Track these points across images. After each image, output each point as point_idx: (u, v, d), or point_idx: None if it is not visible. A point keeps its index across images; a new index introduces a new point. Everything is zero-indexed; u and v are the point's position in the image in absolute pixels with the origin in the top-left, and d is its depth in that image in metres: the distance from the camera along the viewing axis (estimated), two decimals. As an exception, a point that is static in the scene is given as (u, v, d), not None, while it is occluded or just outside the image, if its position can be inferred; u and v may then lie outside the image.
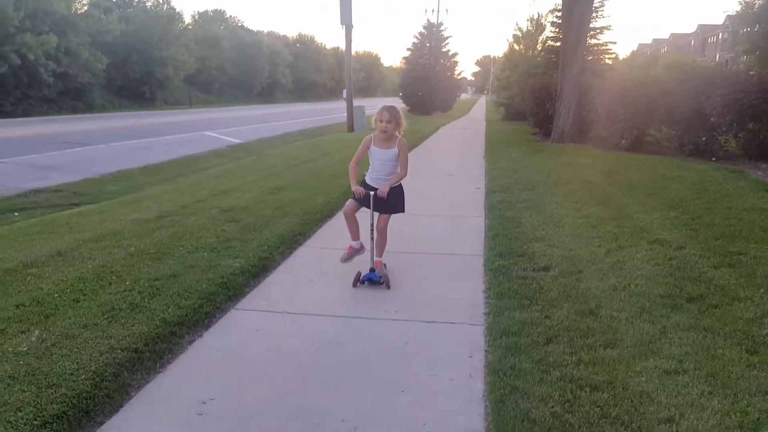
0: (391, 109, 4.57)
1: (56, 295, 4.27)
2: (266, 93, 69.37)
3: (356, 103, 24.23)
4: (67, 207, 8.72)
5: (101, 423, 2.85)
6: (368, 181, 4.75)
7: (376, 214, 4.78)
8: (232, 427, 2.80)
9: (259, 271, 5.06)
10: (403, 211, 4.90)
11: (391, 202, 4.69)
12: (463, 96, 71.02)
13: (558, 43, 23.11)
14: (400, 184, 4.76)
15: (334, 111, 39.30)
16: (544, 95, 18.57)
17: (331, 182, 9.59)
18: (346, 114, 23.93)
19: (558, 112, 16.60)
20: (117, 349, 3.44)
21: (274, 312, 4.25)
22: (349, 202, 4.78)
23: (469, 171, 11.53)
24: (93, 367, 3.21)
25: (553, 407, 2.89)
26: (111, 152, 15.58)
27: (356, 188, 4.61)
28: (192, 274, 4.77)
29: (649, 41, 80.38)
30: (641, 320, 3.94)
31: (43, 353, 3.36)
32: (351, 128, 23.06)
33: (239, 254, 5.37)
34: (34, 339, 3.52)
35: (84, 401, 2.91)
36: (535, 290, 4.51)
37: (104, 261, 5.09)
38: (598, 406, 2.91)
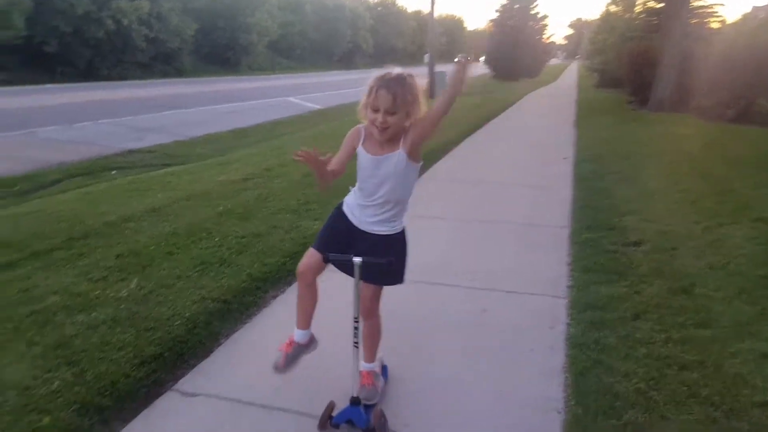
0: (395, 84, 2.28)
1: (152, 247, 4.52)
2: (347, 58, 69.47)
3: (438, 68, 23.85)
4: (159, 167, 9.16)
5: (193, 366, 3.00)
6: (352, 216, 2.53)
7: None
8: (308, 376, 2.86)
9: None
10: (401, 281, 2.64)
11: (385, 264, 2.41)
12: (553, 61, 68.24)
13: (660, 4, 21.59)
14: (403, 235, 2.59)
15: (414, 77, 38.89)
16: (642, 61, 17.48)
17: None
18: (426, 80, 23.61)
19: (657, 79, 15.67)
20: (208, 300, 3.62)
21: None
22: (310, 252, 2.55)
23: (557, 140, 11.14)
24: (187, 314, 3.41)
25: (637, 383, 2.81)
26: (200, 116, 16.17)
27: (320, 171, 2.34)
28: (275, 234, 4.91)
29: (765, 2, 73.90)
30: (739, 301, 3.72)
31: (141, 300, 3.58)
32: (431, 94, 22.78)
33: (318, 217, 5.47)
34: (132, 286, 3.75)
35: (178, 344, 3.10)
36: (624, 265, 4.33)
37: (195, 218, 5.32)
38: (687, 386, 2.79)
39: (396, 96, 2.24)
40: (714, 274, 4.14)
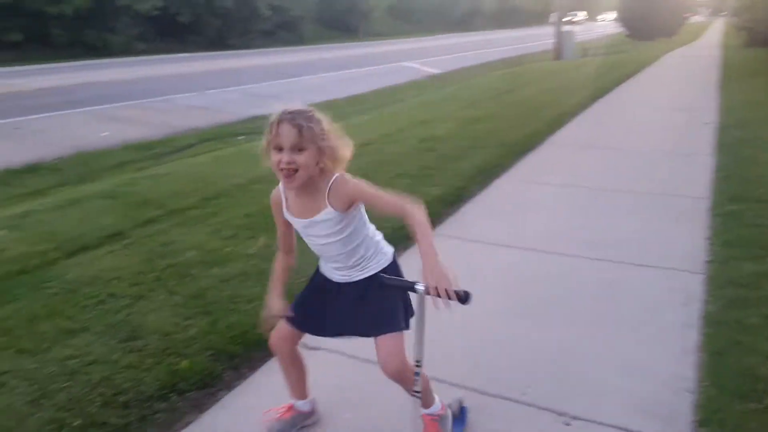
0: (298, 116, 1.82)
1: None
2: (466, 20, 67.83)
3: (566, 28, 22.66)
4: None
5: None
6: (328, 273, 2.11)
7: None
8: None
9: (455, 200, 5.08)
10: (407, 326, 2.01)
11: (377, 305, 2.00)
12: (694, 19, 62.56)
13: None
14: (395, 263, 2.12)
15: (538, 38, 37.39)
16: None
17: (531, 113, 9.19)
18: (552, 41, 22.57)
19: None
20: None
21: (470, 240, 4.25)
22: (280, 324, 2.19)
23: (697, 104, 10.24)
24: (309, 273, 3.51)
25: None
26: (319, 83, 16.60)
27: (274, 307, 2.16)
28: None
29: None
30: None
31: (268, 256, 3.73)
32: (559, 56, 21.71)
33: (436, 183, 5.44)
34: (260, 244, 3.94)
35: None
36: (772, 240, 3.94)
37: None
38: None
39: (301, 128, 1.78)
40: None
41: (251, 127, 10.44)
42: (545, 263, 3.85)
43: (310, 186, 1.87)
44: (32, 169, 7.42)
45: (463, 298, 1.66)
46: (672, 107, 10.03)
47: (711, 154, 6.50)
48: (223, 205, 4.87)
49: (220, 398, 2.48)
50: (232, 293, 3.27)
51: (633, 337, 2.93)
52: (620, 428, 2.28)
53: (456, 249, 4.09)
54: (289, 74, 18.33)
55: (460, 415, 2.30)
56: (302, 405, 2.26)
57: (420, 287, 1.70)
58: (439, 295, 1.65)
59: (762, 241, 3.94)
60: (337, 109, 12.28)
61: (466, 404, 2.33)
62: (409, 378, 1.89)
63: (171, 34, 32.60)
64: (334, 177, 1.87)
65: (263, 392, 2.50)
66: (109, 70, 19.77)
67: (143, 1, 29.84)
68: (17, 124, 10.22)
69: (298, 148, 1.79)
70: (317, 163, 1.83)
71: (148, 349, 2.73)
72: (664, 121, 8.76)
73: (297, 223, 1.98)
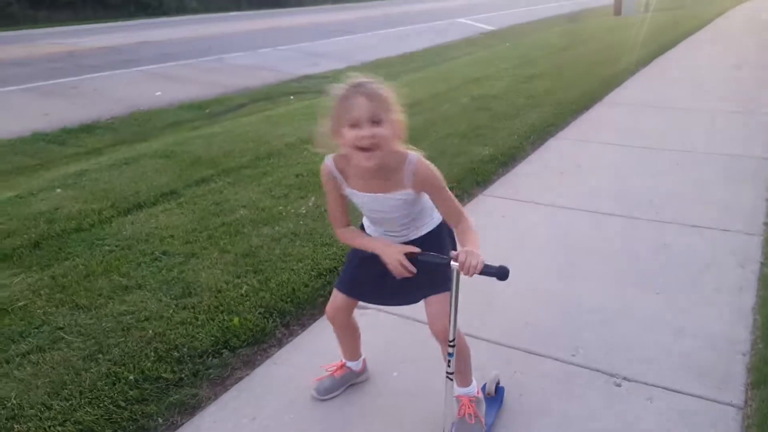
0: (371, 89, 1.72)
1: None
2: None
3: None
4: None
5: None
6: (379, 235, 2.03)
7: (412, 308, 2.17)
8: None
9: (508, 160, 4.99)
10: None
11: (425, 273, 1.88)
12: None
13: None
14: (440, 228, 2.02)
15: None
16: None
17: (588, 71, 8.86)
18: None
19: None
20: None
21: (522, 201, 4.18)
22: (334, 295, 2.14)
23: (764, 62, 9.65)
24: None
25: None
26: (371, 41, 16.37)
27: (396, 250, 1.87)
28: (442, 159, 4.89)
29: None
30: None
31: (318, 216, 3.80)
32: (618, 11, 20.73)
33: (488, 142, 5.35)
34: (311, 204, 3.99)
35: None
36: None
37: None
38: None
39: (377, 99, 1.68)
40: None
41: (303, 86, 10.47)
42: (599, 224, 3.78)
43: (387, 164, 1.77)
44: (88, 129, 7.62)
45: (500, 274, 1.65)
46: (740, 64, 9.50)
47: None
48: (275, 164, 4.93)
49: (272, 354, 2.54)
50: (282, 252, 3.32)
51: (687, 299, 2.88)
52: (671, 390, 2.26)
53: (507, 209, 4.05)
54: (341, 31, 18.15)
55: (497, 395, 2.22)
56: (354, 365, 2.32)
57: (455, 263, 1.69)
58: (471, 273, 1.66)
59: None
60: (389, 67, 12.15)
61: (502, 384, 2.25)
62: (457, 344, 1.86)
63: (224, -9, 32.66)
64: (410, 157, 1.79)
65: (314, 349, 2.56)
66: (162, 29, 20.02)
67: (195, -41, 29.89)
68: (73, 83, 10.51)
69: (376, 120, 1.68)
70: (396, 136, 1.74)
71: (200, 306, 2.80)
72: (728, 80, 8.36)
73: (361, 198, 1.89)
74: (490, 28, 19.11)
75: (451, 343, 1.82)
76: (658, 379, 2.32)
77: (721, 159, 4.90)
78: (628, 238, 3.56)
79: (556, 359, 2.46)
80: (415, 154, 1.80)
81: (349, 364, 2.31)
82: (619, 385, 2.30)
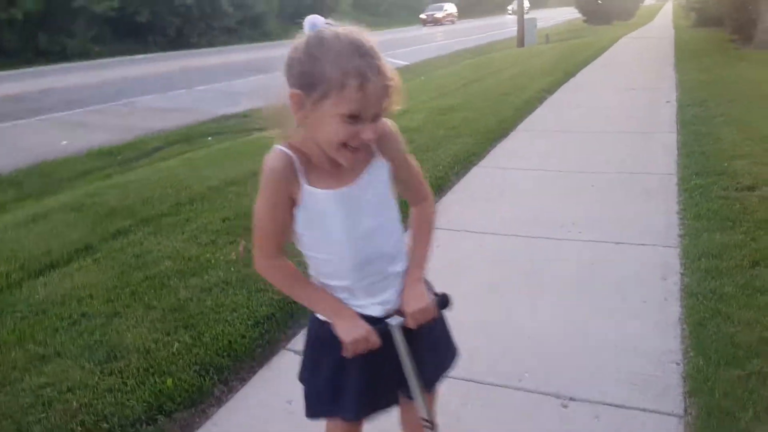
0: (383, 74, 1.18)
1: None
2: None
3: (527, 16, 22.81)
4: (255, 131, 9.40)
5: (304, 325, 3.03)
6: (365, 310, 1.41)
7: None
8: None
9: (435, 190, 5.06)
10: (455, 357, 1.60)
11: (435, 341, 1.54)
12: (647, 2, 63.93)
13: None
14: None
15: (499, 27, 37.62)
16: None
17: (501, 101, 9.22)
18: (514, 29, 22.70)
19: (763, 14, 14.19)
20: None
21: (454, 230, 4.23)
22: (332, 426, 1.54)
23: (656, 84, 10.42)
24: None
25: (761, 332, 2.66)
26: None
27: (361, 326, 1.36)
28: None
29: None
30: None
31: (250, 261, 3.65)
32: (521, 43, 21.88)
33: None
34: (241, 249, 3.84)
35: (288, 305, 3.09)
36: (738, 211, 4.08)
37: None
38: None
39: (394, 79, 1.20)
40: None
41: (221, 126, 10.28)
42: (527, 247, 3.88)
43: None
44: (-11, 184, 7.16)
45: (443, 303, 1.45)
46: (633, 88, 10.18)
47: (674, 132, 6.63)
48: (198, 210, 4.74)
49: (211, 415, 2.39)
50: (214, 303, 3.16)
51: (618, 315, 2.97)
52: (615, 405, 2.31)
53: (441, 239, 4.06)
54: (256, 70, 18.04)
55: None
56: None
57: (398, 319, 1.37)
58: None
59: (728, 212, 4.07)
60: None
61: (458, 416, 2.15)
62: None
63: (129, 34, 31.85)
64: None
65: (255, 405, 2.44)
66: (65, 75, 19.23)
67: (98, 1, 29.04)
68: (-29, 136, 9.86)
69: (384, 109, 1.22)
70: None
71: (128, 369, 2.60)
72: (626, 102, 8.90)
73: (331, 199, 1.29)
74: (404, 63, 19.60)
75: (427, 424, 1.44)
76: (601, 396, 2.36)
77: (631, 177, 5.16)
78: (556, 260, 3.66)
79: (505, 386, 2.47)
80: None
81: None
82: (566, 406, 2.33)
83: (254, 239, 1.39)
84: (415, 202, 1.51)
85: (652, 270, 3.42)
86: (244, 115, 10.71)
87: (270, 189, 1.31)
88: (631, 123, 7.37)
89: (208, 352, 2.70)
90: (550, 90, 10.16)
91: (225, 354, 2.70)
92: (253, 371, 2.65)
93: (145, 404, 2.38)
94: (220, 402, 2.47)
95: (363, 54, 1.15)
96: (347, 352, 1.32)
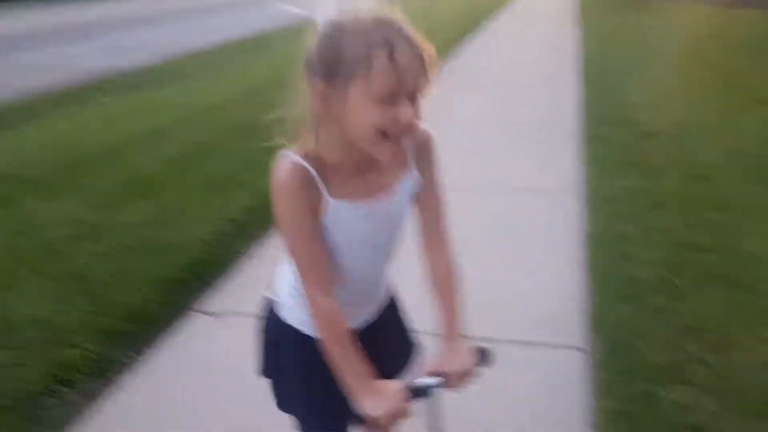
0: (411, 34, 0.99)
1: (160, 170, 4.38)
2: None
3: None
4: (148, 87, 8.81)
5: (213, 286, 2.93)
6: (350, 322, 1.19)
7: None
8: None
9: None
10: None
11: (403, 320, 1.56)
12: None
13: None
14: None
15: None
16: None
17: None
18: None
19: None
20: (219, 220, 3.52)
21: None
22: None
23: (559, 40, 10.69)
24: (201, 236, 3.31)
25: (658, 269, 2.86)
26: (181, 35, 15.50)
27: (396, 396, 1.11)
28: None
29: None
30: (755, 183, 3.73)
31: (154, 223, 3.49)
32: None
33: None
34: (143, 211, 3.64)
35: (196, 266, 3.01)
36: (639, 157, 4.33)
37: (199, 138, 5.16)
38: (706, 267, 2.86)
39: (429, 49, 1.03)
40: (729, 160, 4.12)
41: (114, 82, 9.57)
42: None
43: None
44: None
45: (485, 360, 1.26)
46: (536, 43, 10.43)
47: (578, 85, 6.88)
48: (93, 173, 4.42)
49: (118, 382, 2.29)
50: (117, 267, 2.99)
51: (527, 260, 3.09)
52: (525, 342, 2.44)
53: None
54: (148, 23, 16.91)
55: None
56: None
57: (437, 381, 1.17)
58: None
59: (629, 158, 4.31)
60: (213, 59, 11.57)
61: None
62: None
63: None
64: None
65: (164, 368, 2.36)
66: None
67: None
68: None
69: (421, 89, 1.04)
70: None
71: (27, 342, 2.44)
72: (531, 57, 9.12)
73: (355, 213, 1.13)
74: (306, 12, 19.03)
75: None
76: (512, 335, 2.47)
77: (536, 128, 5.33)
78: (468, 212, 3.64)
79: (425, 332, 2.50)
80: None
81: None
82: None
83: (302, 277, 1.13)
84: (432, 244, 1.34)
85: (558, 216, 3.56)
86: (138, 71, 10.05)
87: (291, 211, 1.10)
88: (535, 77, 7.58)
89: (113, 319, 2.57)
90: (454, 40, 10.22)
91: (131, 320, 2.58)
92: (161, 335, 2.55)
93: (46, 376, 2.24)
94: (127, 369, 2.37)
95: (389, 24, 0.99)
96: (377, 426, 1.10)
